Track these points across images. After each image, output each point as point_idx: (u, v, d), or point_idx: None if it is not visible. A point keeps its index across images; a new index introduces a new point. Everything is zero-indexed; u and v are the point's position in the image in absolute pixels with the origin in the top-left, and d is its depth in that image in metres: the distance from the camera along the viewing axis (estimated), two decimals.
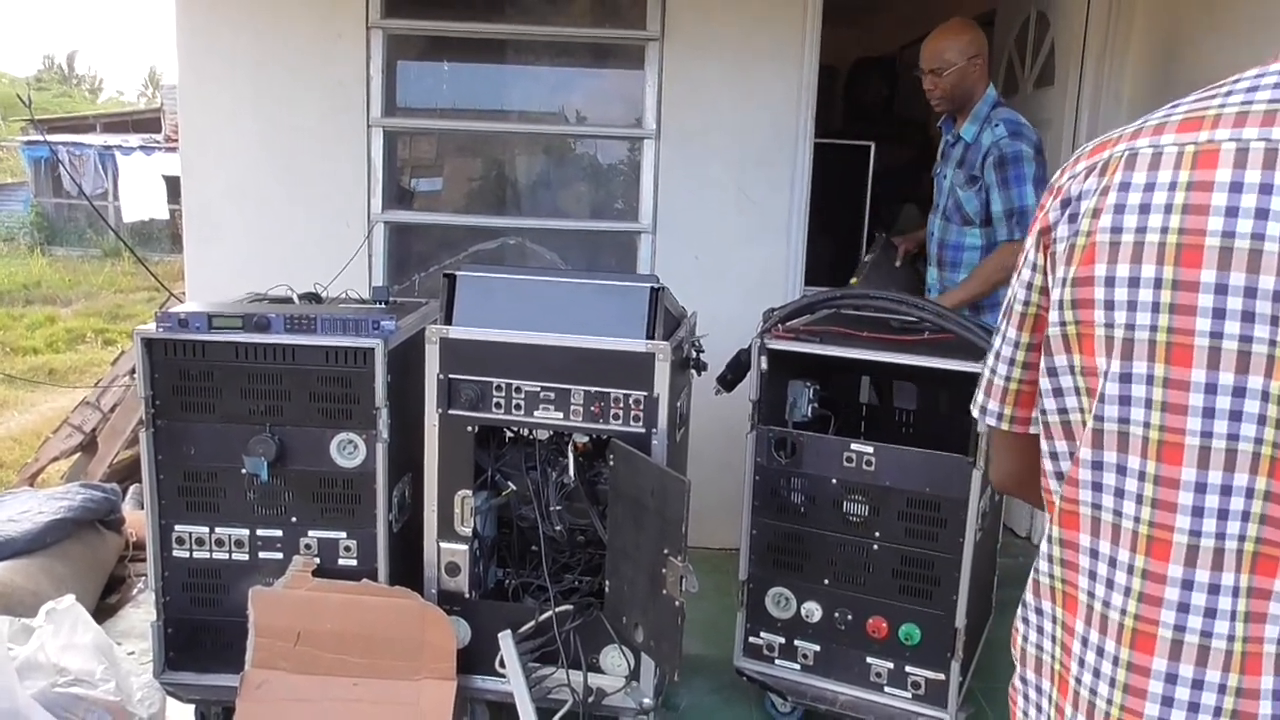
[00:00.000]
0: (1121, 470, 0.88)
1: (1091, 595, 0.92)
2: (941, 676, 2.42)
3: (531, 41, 3.80)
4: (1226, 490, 0.83)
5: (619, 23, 3.66)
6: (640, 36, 3.57)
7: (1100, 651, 0.91)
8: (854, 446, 2.44)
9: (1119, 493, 0.89)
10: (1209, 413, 0.82)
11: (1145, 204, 0.86)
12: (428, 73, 4.01)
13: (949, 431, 2.74)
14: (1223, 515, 0.83)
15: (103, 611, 3.12)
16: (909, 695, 2.46)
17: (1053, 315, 0.94)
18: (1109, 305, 0.87)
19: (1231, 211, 0.81)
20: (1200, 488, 0.84)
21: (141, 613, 3.12)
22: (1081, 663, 0.93)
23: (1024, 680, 1.03)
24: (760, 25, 3.48)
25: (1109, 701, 0.90)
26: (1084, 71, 3.57)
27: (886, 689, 2.48)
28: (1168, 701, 0.86)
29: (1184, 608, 0.85)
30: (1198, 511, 0.84)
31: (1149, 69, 3.41)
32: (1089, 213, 0.90)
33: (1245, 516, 0.82)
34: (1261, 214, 0.80)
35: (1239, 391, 0.81)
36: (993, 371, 1.06)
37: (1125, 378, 0.87)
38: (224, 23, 3.55)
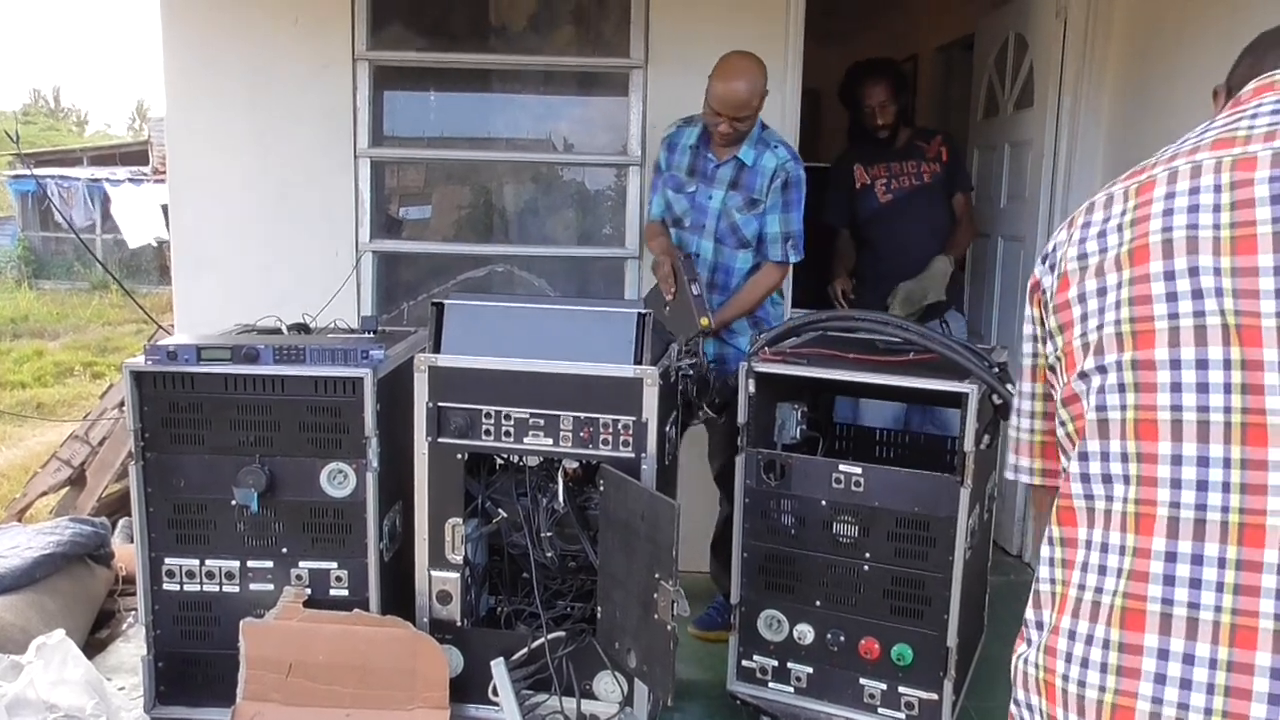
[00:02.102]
0: (1105, 456, 0.91)
1: (1082, 588, 0.92)
2: (934, 696, 2.42)
3: (517, 71, 3.84)
4: (1203, 461, 0.84)
5: (603, 51, 3.70)
6: (624, 64, 3.61)
7: (1089, 639, 0.90)
8: (842, 467, 2.45)
9: (1106, 478, 0.91)
10: (1175, 388, 0.86)
11: (1103, 231, 0.96)
12: (415, 102, 4.03)
13: (936, 451, 2.77)
14: (1201, 486, 0.84)
15: (93, 646, 3.09)
16: (903, 716, 2.45)
17: (1046, 348, 1.03)
18: (1083, 318, 0.95)
19: (1167, 213, 0.91)
20: (1176, 460, 0.86)
21: (132, 647, 3.09)
22: (1068, 658, 0.92)
23: (1017, 703, 1.02)
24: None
25: (1101, 689, 0.89)
26: (1062, 93, 3.61)
27: (880, 710, 2.48)
28: (1160, 679, 0.85)
29: (1169, 580, 0.85)
30: (1175, 484, 0.86)
31: (1127, 89, 3.46)
32: (1063, 255, 1.00)
33: (1225, 487, 0.83)
34: (1192, 209, 0.90)
35: (1201, 364, 0.85)
36: (1017, 429, 1.13)
37: (1101, 370, 0.92)
38: (210, 55, 3.57)
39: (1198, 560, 0.84)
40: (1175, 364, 0.87)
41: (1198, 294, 0.86)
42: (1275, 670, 0.80)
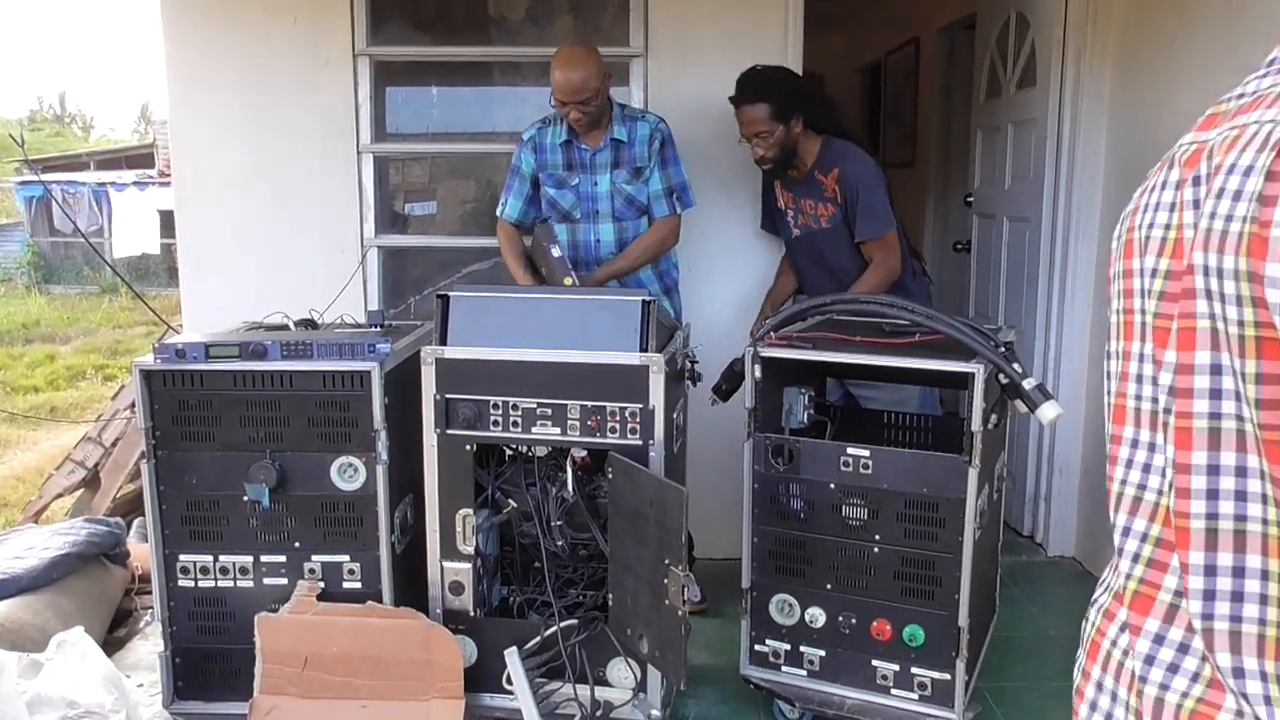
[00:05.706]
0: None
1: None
2: (947, 677, 2.42)
3: (518, 63, 3.84)
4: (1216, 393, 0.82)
5: (602, 40, 3.69)
6: (624, 53, 3.61)
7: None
8: (850, 450, 2.45)
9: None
10: (1207, 394, 0.83)
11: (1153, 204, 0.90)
12: (416, 97, 4.04)
13: (945, 432, 2.76)
14: (1213, 395, 0.81)
15: (111, 645, 3.12)
16: (915, 697, 2.46)
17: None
18: (1141, 293, 0.91)
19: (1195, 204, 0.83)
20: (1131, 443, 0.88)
21: (149, 645, 3.12)
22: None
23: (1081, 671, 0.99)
24: (741, 38, 3.51)
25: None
26: (1065, 72, 3.60)
27: (893, 691, 2.49)
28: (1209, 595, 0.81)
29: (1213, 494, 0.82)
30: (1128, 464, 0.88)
31: (1128, 67, 3.44)
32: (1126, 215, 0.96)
33: (1235, 394, 0.79)
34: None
35: (1215, 370, 0.81)
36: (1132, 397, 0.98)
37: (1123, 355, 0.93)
38: (212, 55, 3.59)
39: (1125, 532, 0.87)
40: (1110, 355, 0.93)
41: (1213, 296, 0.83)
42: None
